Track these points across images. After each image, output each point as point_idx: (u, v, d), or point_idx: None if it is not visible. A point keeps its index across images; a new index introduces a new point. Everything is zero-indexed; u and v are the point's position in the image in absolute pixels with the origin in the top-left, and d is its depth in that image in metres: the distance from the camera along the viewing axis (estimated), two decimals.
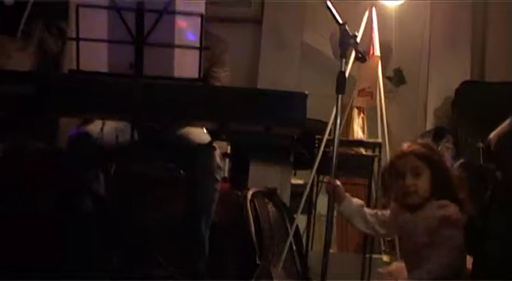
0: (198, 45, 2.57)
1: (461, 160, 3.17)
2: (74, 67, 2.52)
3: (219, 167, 3.18)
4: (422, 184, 2.68)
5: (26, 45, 3.94)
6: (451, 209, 2.62)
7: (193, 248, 3.19)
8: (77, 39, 2.49)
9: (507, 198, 2.46)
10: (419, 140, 2.81)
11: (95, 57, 2.53)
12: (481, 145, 3.55)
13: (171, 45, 2.58)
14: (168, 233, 3.34)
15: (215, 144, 3.23)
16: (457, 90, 4.47)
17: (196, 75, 2.60)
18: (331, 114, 3.56)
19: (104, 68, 2.55)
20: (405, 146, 2.76)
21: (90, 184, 3.03)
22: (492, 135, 2.70)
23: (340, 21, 2.86)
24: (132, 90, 2.52)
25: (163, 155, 3.33)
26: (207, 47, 2.60)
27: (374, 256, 4.22)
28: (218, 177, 3.19)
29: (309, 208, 4.24)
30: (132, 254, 3.06)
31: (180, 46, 2.59)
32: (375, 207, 4.39)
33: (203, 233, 3.20)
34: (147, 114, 2.61)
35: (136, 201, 3.26)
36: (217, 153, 3.20)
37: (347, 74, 3.07)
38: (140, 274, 3.17)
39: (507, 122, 2.58)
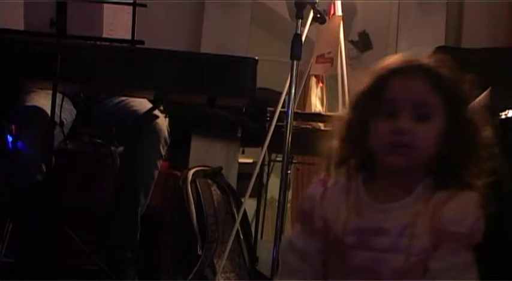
0: (131, 0, 2.56)
1: None
2: None
3: (165, 142, 3.19)
4: (427, 134, 1.66)
5: None
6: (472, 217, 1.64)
7: (123, 234, 3.19)
8: None
9: None
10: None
11: (9, 12, 2.49)
12: None
13: (100, 0, 2.55)
14: (94, 217, 3.33)
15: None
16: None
17: (128, 36, 2.58)
18: (285, 84, 3.56)
19: (19, 25, 2.51)
20: (402, 57, 1.77)
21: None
22: None
23: None
24: (53, 52, 2.48)
25: (101, 126, 3.32)
26: (142, 4, 2.58)
27: None
28: (163, 152, 3.20)
29: (259, 191, 4.25)
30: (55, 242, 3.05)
31: (110, 1, 2.57)
32: None
33: (138, 217, 3.20)
34: (71, 81, 2.59)
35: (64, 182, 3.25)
36: (166, 124, 3.20)
37: (304, 38, 3.09)
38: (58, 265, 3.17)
39: (484, 94, 2.62)
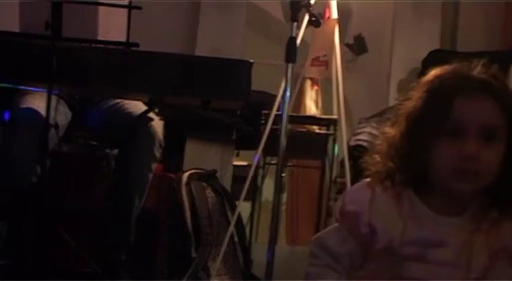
0: (126, 2, 2.57)
1: None
2: None
3: (160, 145, 3.19)
4: (493, 159, 1.60)
5: None
6: None
7: (118, 236, 3.19)
8: None
9: None
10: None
11: (4, 14, 2.50)
12: None
13: (95, 3, 2.56)
14: (89, 219, 3.34)
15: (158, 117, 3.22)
16: (425, 61, 4.52)
17: (123, 38, 2.58)
18: (280, 86, 3.58)
19: (14, 27, 2.52)
20: (456, 69, 1.67)
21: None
22: None
23: None
24: (48, 54, 2.49)
25: (96, 128, 3.33)
26: (138, 6, 2.59)
27: None
28: (157, 155, 3.20)
29: (254, 194, 4.27)
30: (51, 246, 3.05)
31: (105, 4, 2.57)
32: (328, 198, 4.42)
33: (132, 219, 3.20)
34: (66, 83, 2.59)
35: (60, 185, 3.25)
36: (160, 127, 3.20)
37: (299, 41, 3.10)
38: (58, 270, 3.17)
39: None
